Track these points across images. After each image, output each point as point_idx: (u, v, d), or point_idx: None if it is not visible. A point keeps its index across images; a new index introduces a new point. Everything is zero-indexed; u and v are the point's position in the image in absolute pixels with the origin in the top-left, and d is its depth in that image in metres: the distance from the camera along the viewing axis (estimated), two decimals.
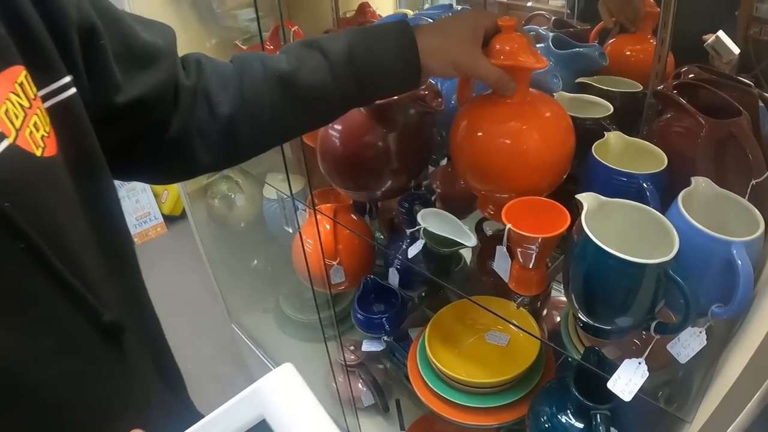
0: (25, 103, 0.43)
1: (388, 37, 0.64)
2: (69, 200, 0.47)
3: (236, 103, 0.62)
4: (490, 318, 1.02)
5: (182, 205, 3.17)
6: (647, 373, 0.57)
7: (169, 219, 3.22)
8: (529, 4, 1.54)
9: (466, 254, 1.18)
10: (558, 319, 1.03)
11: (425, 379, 0.96)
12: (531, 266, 0.65)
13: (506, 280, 0.69)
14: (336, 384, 1.34)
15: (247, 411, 0.32)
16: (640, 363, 0.58)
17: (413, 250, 0.70)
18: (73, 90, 0.48)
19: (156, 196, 3.12)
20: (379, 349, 1.12)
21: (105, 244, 0.51)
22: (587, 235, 0.54)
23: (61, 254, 0.43)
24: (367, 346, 1.14)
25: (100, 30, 0.52)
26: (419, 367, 0.98)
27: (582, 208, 0.57)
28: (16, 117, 0.42)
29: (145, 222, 3.08)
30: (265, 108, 0.63)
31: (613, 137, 0.71)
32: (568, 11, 1.19)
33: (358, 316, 1.12)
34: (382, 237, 1.22)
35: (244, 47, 1.32)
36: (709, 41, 0.88)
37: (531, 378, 0.92)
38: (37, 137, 0.43)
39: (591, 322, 0.60)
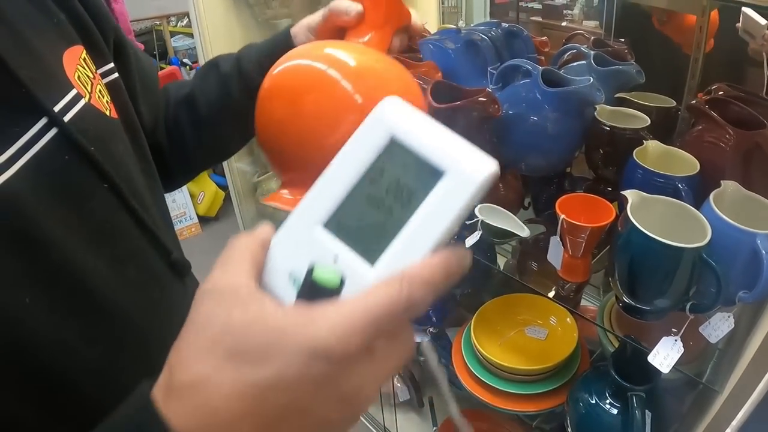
0: (90, 75, 0.50)
1: (272, 41, 0.67)
2: (132, 156, 0.54)
3: (163, 134, 0.69)
4: (530, 313, 1.10)
5: (217, 207, 3.25)
6: (682, 349, 0.65)
7: (203, 220, 3.21)
8: (564, 24, 1.62)
9: (500, 261, 1.26)
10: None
11: (469, 366, 1.03)
12: (579, 255, 0.73)
13: (558, 268, 0.77)
14: None
15: (375, 136, 0.32)
16: (676, 340, 0.66)
17: (471, 240, 0.78)
18: (116, 74, 0.56)
19: (192, 196, 3.09)
20: (425, 341, 1.20)
21: (157, 202, 0.58)
22: (633, 223, 0.62)
23: (134, 196, 0.49)
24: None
25: (129, 51, 0.60)
26: (463, 355, 1.05)
27: (627, 203, 0.65)
28: (86, 84, 0.49)
29: (180, 221, 3.04)
30: (181, 134, 0.68)
31: (651, 145, 0.79)
32: (603, 32, 1.26)
33: None
34: None
35: None
36: (738, 24, 0.89)
37: (569, 369, 1.00)
38: (103, 101, 0.51)
39: (633, 303, 0.68)
